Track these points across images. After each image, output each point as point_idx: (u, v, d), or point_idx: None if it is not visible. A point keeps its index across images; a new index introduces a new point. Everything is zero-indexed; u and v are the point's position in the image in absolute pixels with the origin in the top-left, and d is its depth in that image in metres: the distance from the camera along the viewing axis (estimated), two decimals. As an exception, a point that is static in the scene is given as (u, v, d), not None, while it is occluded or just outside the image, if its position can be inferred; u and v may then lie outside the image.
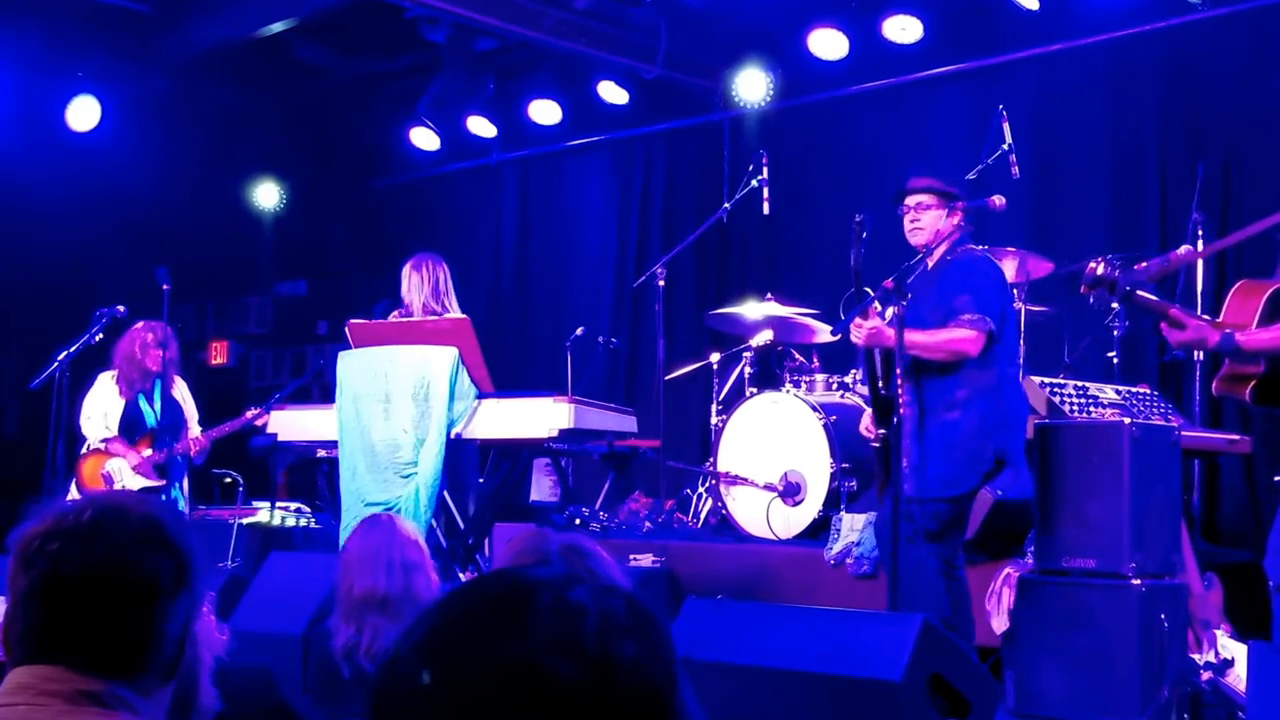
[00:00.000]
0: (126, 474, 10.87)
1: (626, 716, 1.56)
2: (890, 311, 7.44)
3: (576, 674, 1.54)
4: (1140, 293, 6.20)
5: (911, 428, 7.35)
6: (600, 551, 3.91)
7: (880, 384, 7.58)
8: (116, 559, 2.54)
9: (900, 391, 7.27)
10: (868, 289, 7.67)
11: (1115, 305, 7.33)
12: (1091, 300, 6.28)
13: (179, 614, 2.60)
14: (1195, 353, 7.08)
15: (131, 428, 10.95)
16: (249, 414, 11.17)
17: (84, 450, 10.98)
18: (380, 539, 6.03)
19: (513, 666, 1.54)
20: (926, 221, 7.69)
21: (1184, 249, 7.15)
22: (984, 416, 7.50)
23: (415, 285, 10.44)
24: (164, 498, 10.92)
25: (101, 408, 10.98)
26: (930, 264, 7.69)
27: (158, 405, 11.03)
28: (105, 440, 10.91)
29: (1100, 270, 6.14)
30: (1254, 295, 6.39)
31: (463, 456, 10.19)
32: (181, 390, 11.27)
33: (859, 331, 7.42)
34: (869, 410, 7.94)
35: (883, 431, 7.56)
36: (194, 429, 11.15)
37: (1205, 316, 6.38)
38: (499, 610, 1.59)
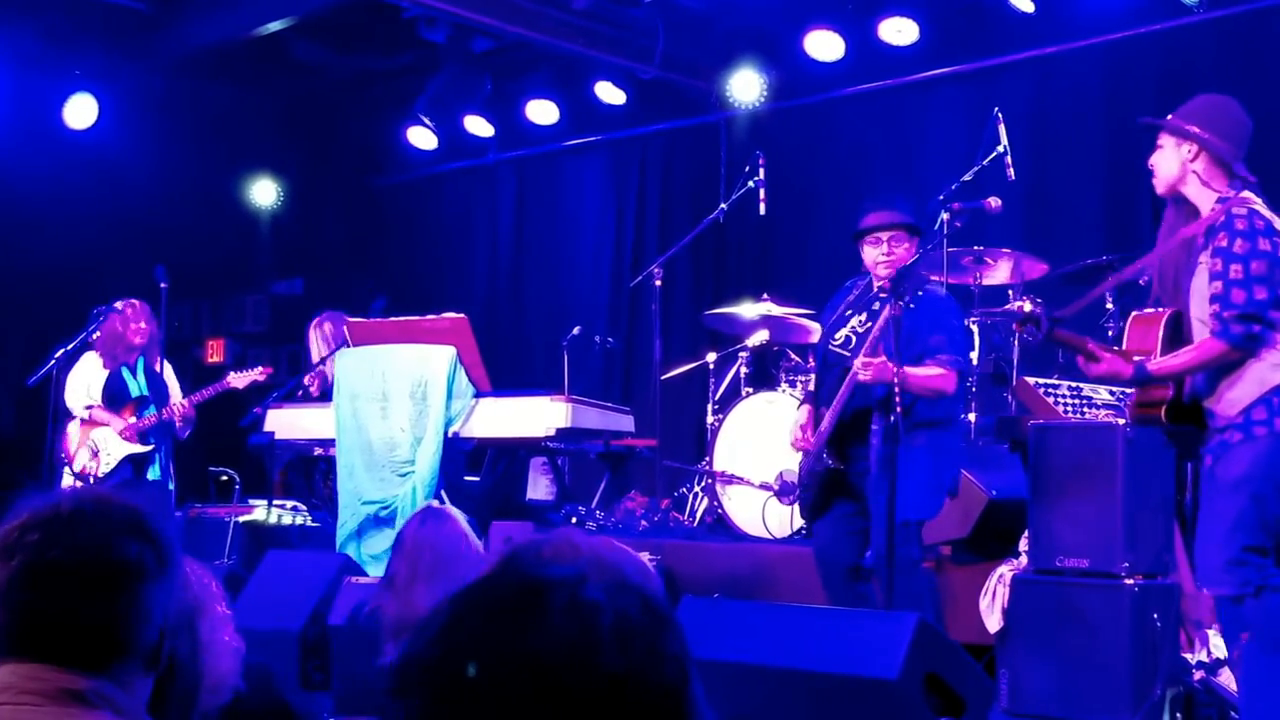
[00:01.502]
0: (112, 443, 10.96)
1: (642, 712, 1.58)
2: (843, 332, 7.64)
3: (593, 672, 1.56)
4: (1059, 331, 6.44)
5: (885, 452, 7.39)
6: (607, 544, 3.93)
7: (848, 412, 7.70)
8: (100, 544, 2.55)
9: (875, 418, 7.37)
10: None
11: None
12: (1026, 336, 6.52)
13: (160, 601, 2.61)
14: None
15: (115, 397, 11.06)
16: (230, 378, 11.28)
17: (69, 426, 11.08)
18: (450, 543, 6.05)
19: (530, 665, 1.56)
20: (900, 254, 7.76)
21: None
22: (945, 444, 7.74)
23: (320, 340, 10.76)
24: (149, 465, 11.03)
25: (85, 380, 11.09)
26: (877, 289, 7.79)
27: (141, 377, 11.13)
28: (88, 408, 11.00)
29: (1028, 308, 6.40)
30: (1152, 324, 6.62)
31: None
32: (166, 369, 11.38)
33: (867, 371, 7.43)
34: (798, 418, 8.11)
35: (828, 449, 7.71)
36: (176, 399, 11.27)
37: (1116, 349, 6.58)
38: (515, 609, 1.61)
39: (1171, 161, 6.54)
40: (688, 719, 1.63)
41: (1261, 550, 6.17)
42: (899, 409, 7.21)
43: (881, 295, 7.66)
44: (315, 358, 11.11)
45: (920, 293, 7.61)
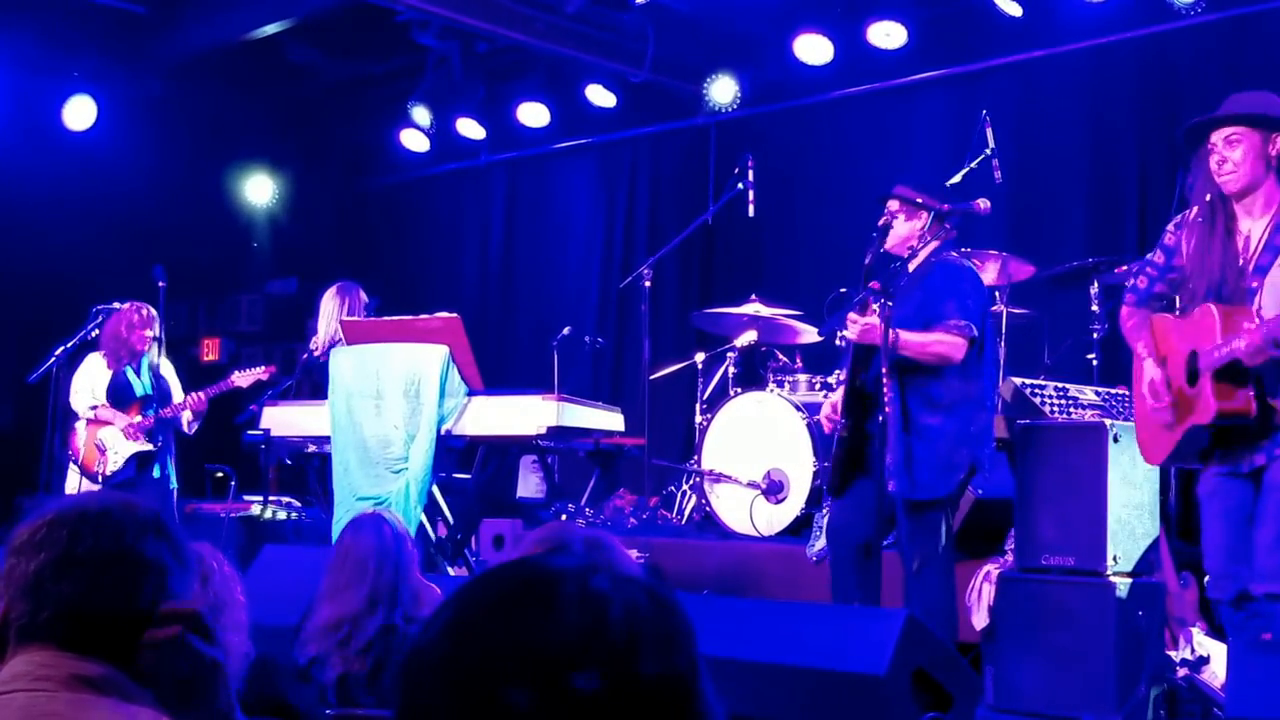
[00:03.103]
0: (119, 441, 11.04)
1: (652, 701, 1.60)
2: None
3: (604, 661, 1.57)
4: None
5: (896, 427, 7.45)
6: (619, 546, 4.01)
7: (860, 375, 7.72)
8: (127, 542, 2.64)
9: (885, 390, 7.39)
10: (844, 289, 7.87)
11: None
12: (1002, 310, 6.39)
13: (176, 597, 2.68)
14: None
15: (119, 396, 11.15)
16: (234, 377, 11.36)
17: (75, 425, 11.16)
18: (373, 557, 6.07)
19: (543, 655, 1.57)
20: (895, 227, 7.88)
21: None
22: (965, 424, 7.61)
23: (330, 312, 10.82)
24: (154, 464, 11.10)
25: (89, 382, 11.18)
26: (911, 267, 7.81)
27: (146, 377, 11.21)
28: (93, 407, 11.08)
29: None
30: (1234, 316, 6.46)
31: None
32: (167, 368, 11.45)
33: (854, 326, 7.52)
34: (830, 399, 8.11)
35: (845, 421, 7.73)
36: (179, 397, 11.35)
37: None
38: (525, 600, 1.63)
39: (1260, 156, 6.40)
40: (697, 706, 1.66)
41: None
42: (884, 382, 7.30)
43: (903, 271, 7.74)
44: (323, 325, 11.14)
45: (933, 260, 7.72)
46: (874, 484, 7.46)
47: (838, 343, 7.84)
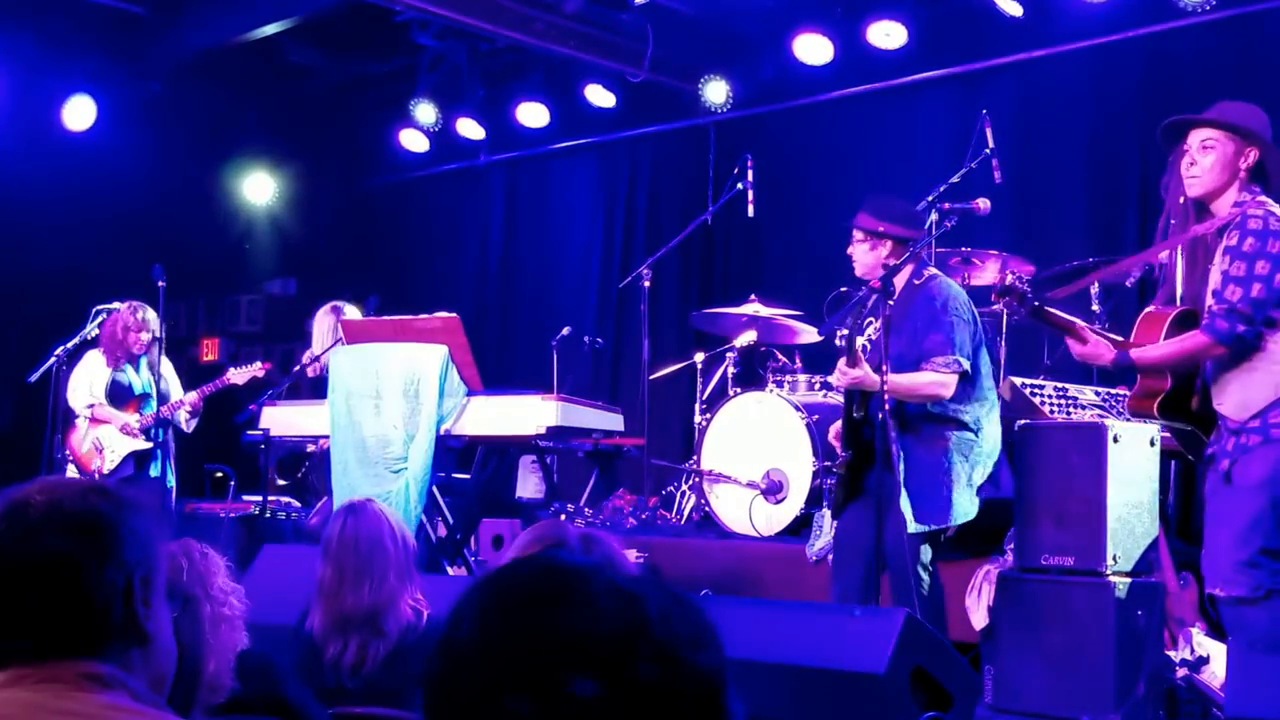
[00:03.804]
0: (116, 440, 11.08)
1: (691, 692, 1.62)
2: (860, 341, 7.69)
3: (646, 649, 1.60)
4: (1049, 310, 6.47)
5: (896, 462, 7.45)
6: (613, 542, 4.01)
7: (856, 409, 7.73)
8: (20, 550, 2.58)
9: (885, 425, 7.39)
10: (844, 289, 7.89)
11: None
12: (1003, 310, 6.49)
13: (110, 582, 2.60)
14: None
15: (118, 395, 11.19)
16: (229, 374, 11.41)
17: (75, 423, 11.19)
18: (370, 542, 6.01)
19: (586, 646, 1.59)
20: (857, 256, 7.97)
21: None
22: (973, 448, 7.67)
23: (325, 330, 10.87)
24: (151, 462, 11.13)
25: (87, 379, 11.22)
26: (897, 290, 7.81)
27: (144, 375, 11.26)
28: (90, 406, 11.10)
29: (1009, 279, 6.39)
30: (1159, 320, 6.64)
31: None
32: (166, 367, 11.47)
33: (842, 377, 7.55)
34: (835, 426, 8.12)
35: (847, 453, 7.74)
36: (178, 396, 11.38)
37: (1114, 337, 6.64)
38: (556, 594, 1.64)
39: (1228, 166, 6.51)
40: (726, 700, 1.67)
41: (1276, 554, 6.23)
42: (885, 409, 7.31)
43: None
44: (317, 344, 11.24)
45: (916, 282, 7.75)
46: (874, 507, 7.48)
47: (837, 342, 7.83)
